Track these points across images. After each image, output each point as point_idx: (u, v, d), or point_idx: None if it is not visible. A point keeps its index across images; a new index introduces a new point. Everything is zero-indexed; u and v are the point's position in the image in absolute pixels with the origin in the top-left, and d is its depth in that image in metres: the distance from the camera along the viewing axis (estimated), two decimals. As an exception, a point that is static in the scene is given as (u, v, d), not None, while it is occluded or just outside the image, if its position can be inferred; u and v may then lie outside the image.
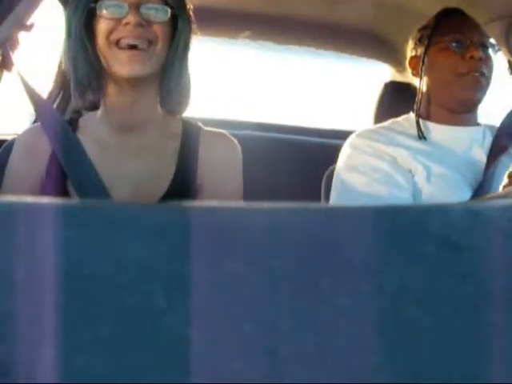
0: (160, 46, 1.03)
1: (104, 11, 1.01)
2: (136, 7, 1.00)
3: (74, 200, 0.37)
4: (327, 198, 1.50)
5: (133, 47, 1.00)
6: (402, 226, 0.31)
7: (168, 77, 1.08)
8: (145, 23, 1.01)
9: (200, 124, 1.16)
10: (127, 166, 1.08)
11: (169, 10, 1.03)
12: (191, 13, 1.12)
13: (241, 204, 0.31)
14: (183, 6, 1.08)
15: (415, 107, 1.37)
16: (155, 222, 0.30)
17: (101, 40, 1.02)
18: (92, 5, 1.02)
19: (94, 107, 1.12)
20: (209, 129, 1.15)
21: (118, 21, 1.01)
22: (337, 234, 0.30)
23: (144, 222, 0.30)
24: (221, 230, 0.29)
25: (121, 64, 1.01)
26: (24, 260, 0.29)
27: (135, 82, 1.04)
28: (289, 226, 0.30)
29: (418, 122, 1.34)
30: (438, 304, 0.29)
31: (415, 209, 0.33)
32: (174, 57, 1.06)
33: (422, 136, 1.32)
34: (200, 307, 0.28)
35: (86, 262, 0.28)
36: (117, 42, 1.01)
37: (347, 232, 0.30)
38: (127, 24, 1.00)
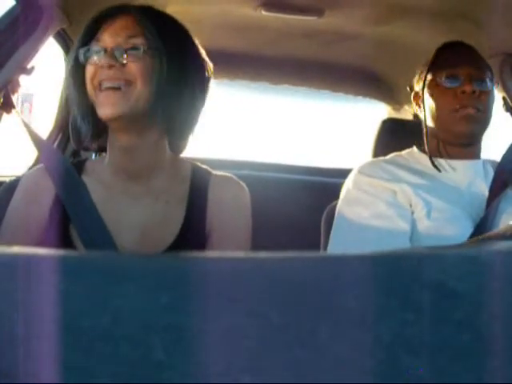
0: (139, 85, 1.01)
1: (87, 57, 1.03)
2: (111, 50, 1.02)
3: (73, 251, 0.37)
4: (327, 235, 1.50)
5: (110, 89, 1.01)
6: (398, 273, 0.31)
7: (163, 115, 1.05)
8: (118, 64, 1.01)
9: (208, 168, 1.16)
10: (134, 211, 1.07)
11: (142, 48, 1.02)
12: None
13: (241, 254, 0.32)
14: (165, 41, 1.04)
15: (425, 141, 1.38)
16: (154, 273, 0.30)
17: (88, 85, 1.04)
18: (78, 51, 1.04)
19: (99, 149, 1.14)
20: (218, 172, 1.15)
21: (98, 65, 1.02)
22: (333, 282, 0.31)
23: (143, 273, 0.30)
24: (220, 281, 0.29)
25: (100, 106, 1.02)
26: (22, 312, 0.29)
27: (122, 125, 1.04)
28: (287, 276, 0.31)
29: (430, 158, 1.35)
30: (434, 353, 0.29)
31: (410, 255, 0.33)
32: (157, 94, 1.03)
33: (438, 169, 1.33)
34: (199, 360, 0.28)
35: (85, 314, 0.28)
36: (99, 86, 1.02)
37: (344, 280, 0.31)
38: (102, 67, 1.01)
